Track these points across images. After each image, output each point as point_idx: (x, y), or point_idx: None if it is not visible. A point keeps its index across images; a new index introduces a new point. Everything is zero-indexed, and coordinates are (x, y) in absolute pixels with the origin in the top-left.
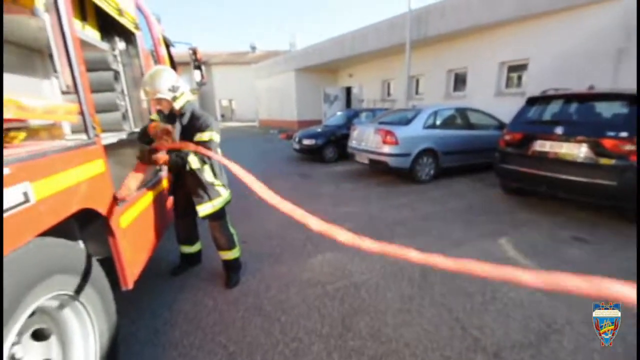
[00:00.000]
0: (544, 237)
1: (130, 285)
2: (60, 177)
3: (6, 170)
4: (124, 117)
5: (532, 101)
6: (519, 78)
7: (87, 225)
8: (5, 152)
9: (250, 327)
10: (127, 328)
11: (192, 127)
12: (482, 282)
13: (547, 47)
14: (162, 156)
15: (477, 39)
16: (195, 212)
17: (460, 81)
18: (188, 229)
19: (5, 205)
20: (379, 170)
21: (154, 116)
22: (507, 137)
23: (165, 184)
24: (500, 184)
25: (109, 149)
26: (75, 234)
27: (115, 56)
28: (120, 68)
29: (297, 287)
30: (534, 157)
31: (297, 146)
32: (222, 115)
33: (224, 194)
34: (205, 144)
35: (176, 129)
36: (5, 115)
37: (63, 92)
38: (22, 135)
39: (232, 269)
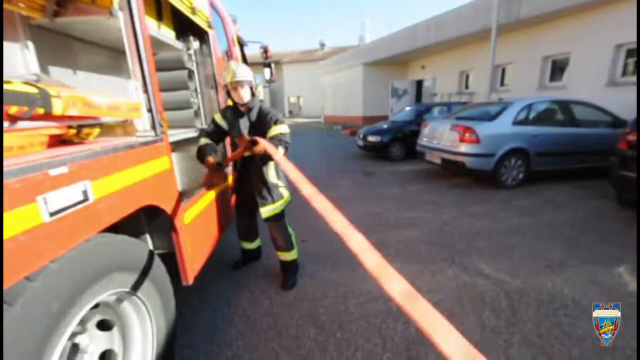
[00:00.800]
0: None
1: (191, 281)
2: (123, 175)
3: (64, 169)
4: (196, 114)
5: None
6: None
7: (153, 219)
8: (67, 150)
9: (304, 337)
10: (188, 319)
11: (260, 123)
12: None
13: None
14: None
15: (584, 19)
16: (256, 211)
17: (557, 70)
18: (249, 226)
19: (61, 205)
20: (453, 171)
21: (218, 117)
22: (631, 138)
23: (230, 180)
24: (615, 195)
25: (180, 144)
26: (143, 228)
27: (189, 55)
28: (194, 67)
29: (357, 298)
30: None
31: (361, 143)
32: (290, 112)
33: (286, 195)
34: (283, 136)
35: (243, 125)
36: (72, 112)
37: (144, 92)
38: (96, 131)
39: (290, 270)
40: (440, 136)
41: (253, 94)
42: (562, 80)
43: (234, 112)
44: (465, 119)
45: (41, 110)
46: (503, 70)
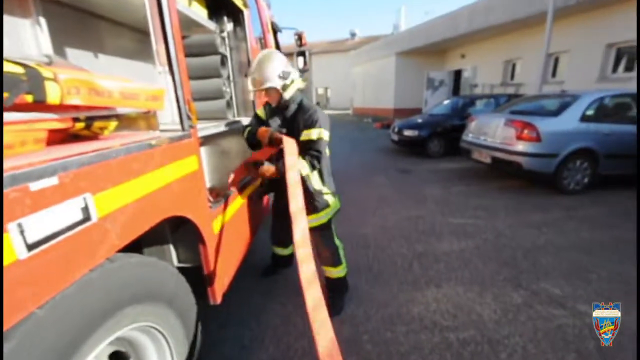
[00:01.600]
0: None
1: (219, 300)
2: (139, 182)
3: (51, 180)
4: (229, 104)
5: None
6: None
7: (178, 227)
8: (60, 152)
9: None
10: (215, 335)
11: (296, 120)
12: None
13: None
14: (268, 168)
15: None
16: None
17: (619, 60)
18: (284, 232)
19: (46, 233)
20: (504, 172)
21: (260, 111)
22: None
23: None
24: None
25: (210, 137)
26: (167, 238)
27: (223, 38)
28: (227, 52)
29: (406, 325)
30: None
31: (395, 137)
32: (318, 103)
33: (332, 202)
34: (313, 143)
35: (277, 121)
36: (74, 101)
37: (172, 79)
38: (112, 125)
39: (336, 290)
40: (492, 132)
41: (284, 90)
42: (630, 72)
43: (273, 108)
44: (522, 113)
45: (29, 98)
46: (556, 60)
